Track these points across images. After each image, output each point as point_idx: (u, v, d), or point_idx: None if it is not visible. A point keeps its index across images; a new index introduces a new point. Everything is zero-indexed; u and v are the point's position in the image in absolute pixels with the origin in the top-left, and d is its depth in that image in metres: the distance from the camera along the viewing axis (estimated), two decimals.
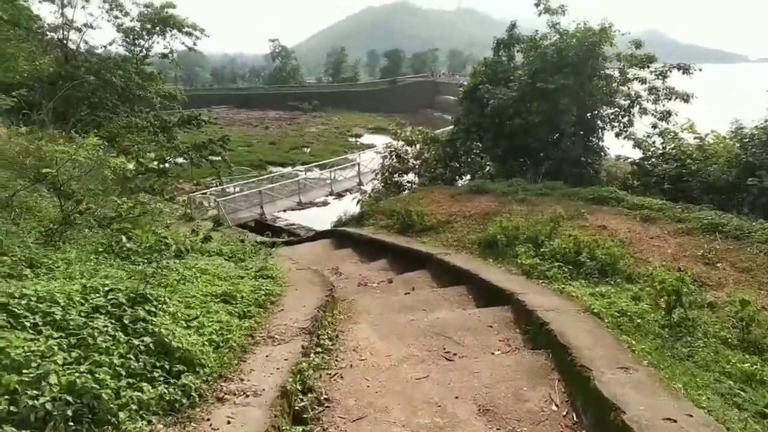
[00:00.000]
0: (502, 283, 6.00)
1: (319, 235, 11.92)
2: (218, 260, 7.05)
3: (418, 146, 16.52)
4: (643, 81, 13.49)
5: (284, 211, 24.89)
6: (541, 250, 7.12)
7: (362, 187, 26.72)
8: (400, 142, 17.09)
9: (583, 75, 12.64)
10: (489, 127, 13.81)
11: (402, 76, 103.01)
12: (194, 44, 30.80)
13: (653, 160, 12.02)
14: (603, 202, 9.51)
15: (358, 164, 28.05)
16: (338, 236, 10.92)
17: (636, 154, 13.05)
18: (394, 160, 16.35)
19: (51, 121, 24.79)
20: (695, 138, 11.84)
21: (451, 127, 16.09)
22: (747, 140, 9.88)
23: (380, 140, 50.91)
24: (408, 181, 16.49)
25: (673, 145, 11.97)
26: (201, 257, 7.23)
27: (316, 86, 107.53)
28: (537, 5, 14.22)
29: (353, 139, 58.95)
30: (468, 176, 15.70)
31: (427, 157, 15.81)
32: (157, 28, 29.35)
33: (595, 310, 5.02)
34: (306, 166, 34.40)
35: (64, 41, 26.70)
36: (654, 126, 13.47)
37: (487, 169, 15.19)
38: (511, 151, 13.67)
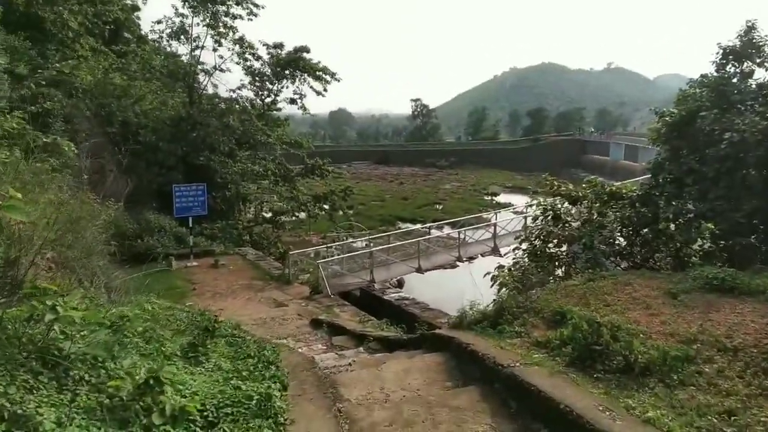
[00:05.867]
0: None
1: (427, 342, 7.25)
2: None
3: (584, 204, 11.38)
4: None
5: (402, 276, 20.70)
6: None
7: (497, 254, 21.70)
8: (557, 199, 12.05)
9: None
10: (719, 176, 8.39)
11: (545, 135, 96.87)
12: (324, 90, 28.90)
13: None
14: None
15: (494, 225, 23.13)
16: (457, 353, 6.17)
17: None
18: (549, 221, 11.33)
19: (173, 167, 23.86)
20: None
21: (644, 177, 10.78)
22: None
23: (518, 200, 46.06)
24: (566, 254, 11.30)
25: None
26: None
27: (455, 144, 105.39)
28: None
29: (489, 198, 54.98)
30: (663, 254, 10.15)
31: (601, 222, 10.55)
32: (287, 71, 27.93)
33: None
34: (432, 224, 30.06)
35: (192, 83, 25.97)
36: None
37: (703, 243, 9.57)
38: (764, 217, 8.06)
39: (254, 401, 4.04)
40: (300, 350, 9.13)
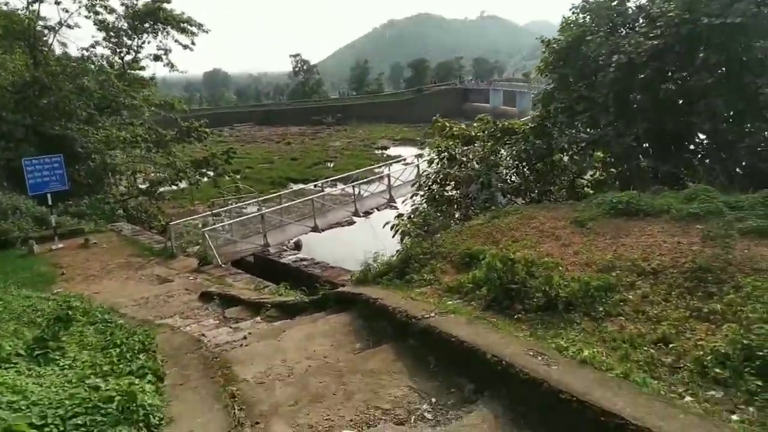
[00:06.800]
0: None
1: (331, 302, 6.51)
2: None
3: (478, 143, 11.11)
4: None
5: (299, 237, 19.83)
6: None
7: (393, 204, 21.42)
8: (451, 142, 11.68)
9: None
10: (609, 101, 8.32)
11: (428, 86, 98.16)
12: (192, 43, 26.21)
13: None
14: None
15: (388, 176, 22.74)
16: (365, 310, 5.52)
17: None
18: (445, 163, 10.96)
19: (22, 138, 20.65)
20: None
21: (525, 119, 10.69)
22: None
23: (408, 151, 46.41)
24: (465, 195, 11.02)
25: None
26: None
27: (340, 100, 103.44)
28: None
29: (379, 152, 55.24)
30: (558, 186, 10.18)
31: (496, 160, 10.33)
32: (147, 25, 24.86)
33: None
34: (324, 180, 29.07)
35: (33, 41, 22.26)
36: None
37: (594, 173, 9.69)
38: (655, 138, 8.15)
39: (116, 403, 3.09)
40: (187, 329, 8.07)
